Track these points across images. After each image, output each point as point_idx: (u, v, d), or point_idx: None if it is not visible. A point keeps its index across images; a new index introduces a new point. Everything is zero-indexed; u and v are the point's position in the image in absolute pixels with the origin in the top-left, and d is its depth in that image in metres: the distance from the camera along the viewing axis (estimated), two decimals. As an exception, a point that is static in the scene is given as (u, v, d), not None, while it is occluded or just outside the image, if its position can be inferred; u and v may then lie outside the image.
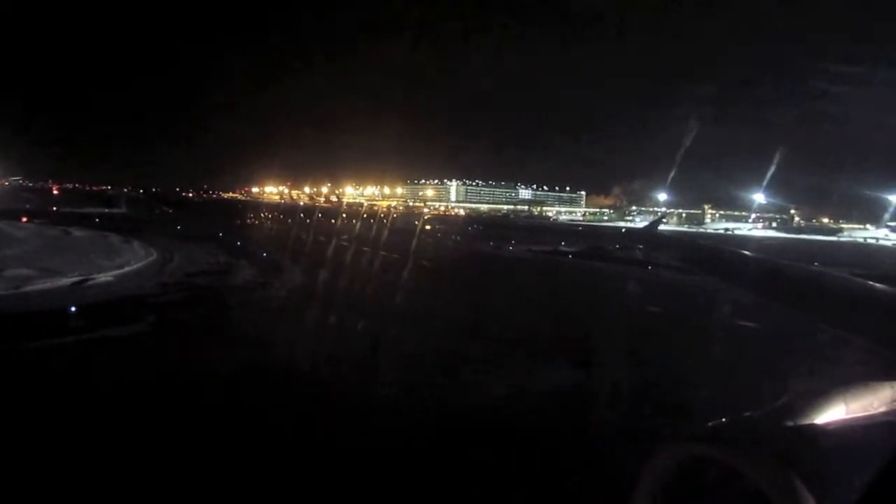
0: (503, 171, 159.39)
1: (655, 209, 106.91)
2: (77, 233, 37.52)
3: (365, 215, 69.85)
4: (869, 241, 78.00)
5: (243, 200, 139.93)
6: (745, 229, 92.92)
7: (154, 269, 25.36)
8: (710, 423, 1.97)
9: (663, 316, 20.01)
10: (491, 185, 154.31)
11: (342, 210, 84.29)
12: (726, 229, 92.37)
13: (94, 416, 9.25)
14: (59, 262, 23.72)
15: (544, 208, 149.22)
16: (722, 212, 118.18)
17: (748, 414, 2.02)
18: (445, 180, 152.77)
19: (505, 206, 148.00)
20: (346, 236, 42.81)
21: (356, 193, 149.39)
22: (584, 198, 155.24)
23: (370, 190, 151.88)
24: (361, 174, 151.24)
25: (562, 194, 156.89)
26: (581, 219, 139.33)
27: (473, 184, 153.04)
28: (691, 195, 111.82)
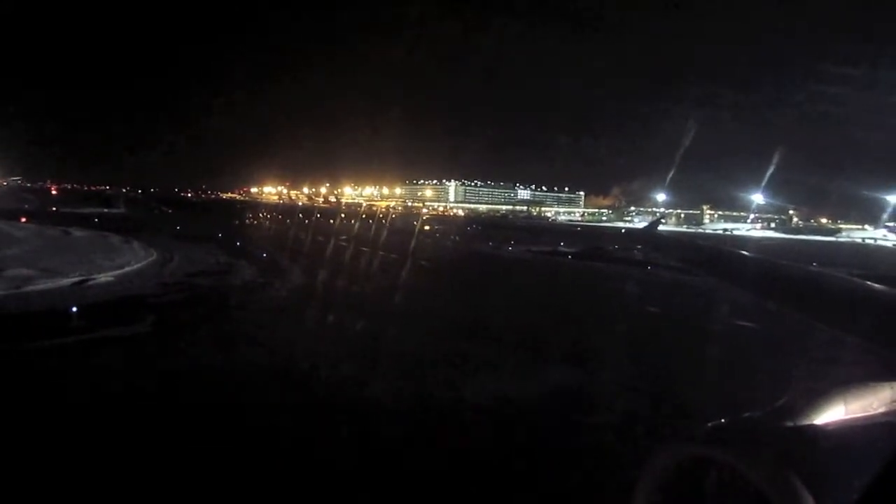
0: (502, 172, 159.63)
1: (654, 209, 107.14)
2: (77, 233, 37.45)
3: (363, 216, 69.92)
4: (867, 241, 78.10)
5: (242, 201, 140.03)
6: (743, 230, 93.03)
7: (154, 269, 25.34)
8: (709, 424, 1.96)
9: (662, 317, 20.06)
10: (490, 186, 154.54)
11: (341, 210, 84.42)
12: (725, 230, 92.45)
13: (94, 417, 9.24)
14: (59, 263, 23.70)
15: (543, 209, 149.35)
16: (720, 212, 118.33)
17: (748, 414, 2.01)
18: (444, 181, 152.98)
19: (503, 207, 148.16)
20: (344, 236, 42.85)
21: (355, 194, 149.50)
22: (583, 198, 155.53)
23: (369, 190, 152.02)
24: (360, 174, 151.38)
25: (560, 195, 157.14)
26: (580, 219, 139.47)
27: (472, 184, 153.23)
28: (690, 195, 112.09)
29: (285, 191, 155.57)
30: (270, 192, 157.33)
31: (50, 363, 12.29)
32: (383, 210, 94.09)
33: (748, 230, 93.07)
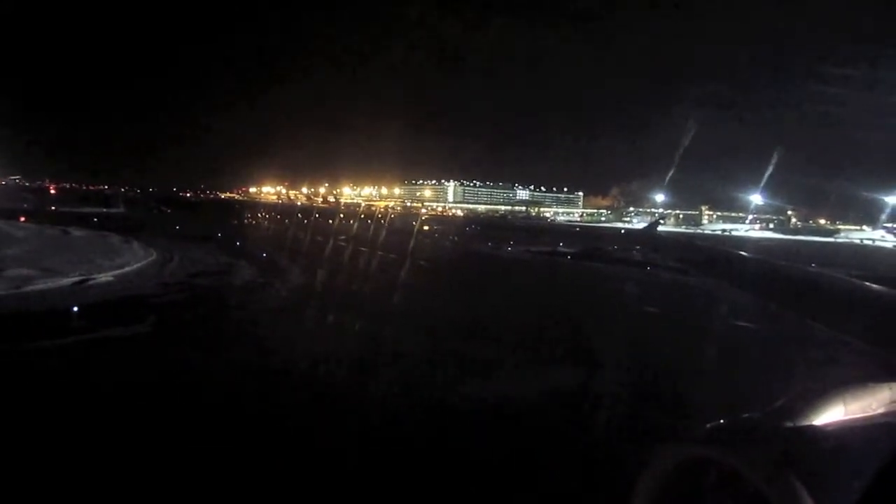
0: (501, 172, 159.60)
1: (653, 210, 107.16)
2: (76, 232, 37.43)
3: (362, 216, 69.86)
4: (866, 242, 78.14)
5: (241, 200, 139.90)
6: (742, 230, 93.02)
7: (154, 269, 25.36)
8: (708, 425, 1.95)
9: (661, 317, 20.10)
10: (488, 186, 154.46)
11: (339, 210, 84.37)
12: (723, 230, 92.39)
13: (95, 417, 9.27)
14: (59, 262, 23.70)
15: (542, 209, 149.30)
16: (719, 213, 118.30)
17: (747, 415, 1.99)
18: (443, 181, 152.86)
19: (502, 207, 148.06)
20: (343, 237, 42.87)
21: (353, 194, 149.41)
22: (582, 198, 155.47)
23: (367, 190, 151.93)
24: (359, 174, 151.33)
25: (559, 195, 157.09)
26: (578, 219, 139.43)
27: (471, 184, 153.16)
28: (689, 196, 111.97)
29: (284, 191, 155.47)
30: (269, 191, 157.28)
31: (51, 363, 12.31)
32: (382, 210, 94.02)
33: (747, 231, 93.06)
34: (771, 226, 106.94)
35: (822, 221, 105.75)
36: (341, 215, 69.66)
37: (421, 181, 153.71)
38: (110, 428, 8.81)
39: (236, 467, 7.77)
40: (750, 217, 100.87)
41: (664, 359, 14.17)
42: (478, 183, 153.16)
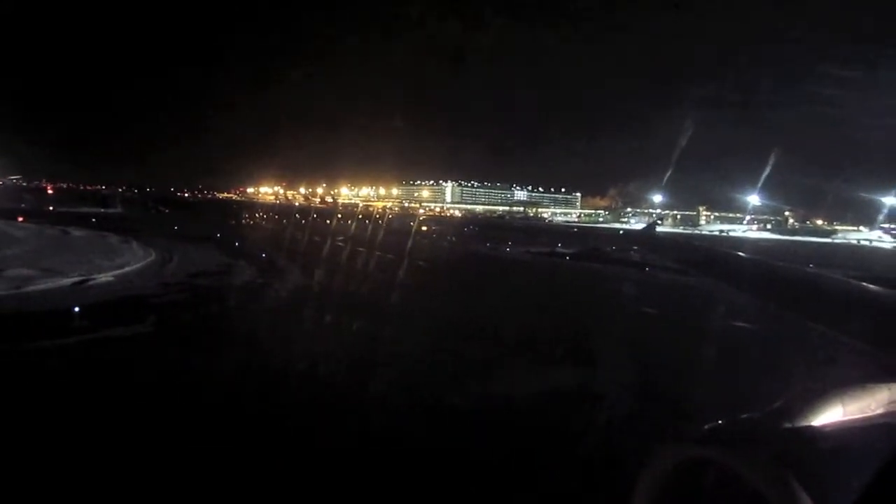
0: (499, 172, 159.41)
1: (650, 210, 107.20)
2: (75, 232, 37.47)
3: (360, 216, 69.81)
4: (863, 242, 78.23)
5: (239, 201, 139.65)
6: (740, 231, 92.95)
7: (154, 269, 25.40)
8: (707, 425, 1.94)
9: (661, 318, 20.17)
10: (486, 187, 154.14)
11: (338, 211, 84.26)
12: (721, 231, 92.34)
13: (97, 417, 9.32)
14: (59, 262, 23.75)
15: (539, 209, 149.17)
16: (716, 213, 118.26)
17: (746, 415, 1.98)
18: (441, 181, 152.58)
19: (500, 208, 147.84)
20: (341, 237, 42.84)
21: (351, 194, 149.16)
22: (580, 199, 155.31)
23: (365, 191, 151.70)
24: (357, 175, 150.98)
25: (557, 195, 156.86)
26: (576, 220, 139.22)
27: (469, 185, 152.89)
28: (686, 196, 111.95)
29: (282, 191, 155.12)
30: (267, 192, 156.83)
31: (52, 363, 12.36)
32: (380, 211, 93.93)
33: (744, 231, 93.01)
34: (768, 226, 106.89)
35: (820, 222, 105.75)
36: (339, 216, 69.57)
37: (419, 182, 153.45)
38: (112, 428, 8.85)
39: (238, 468, 7.82)
40: (747, 218, 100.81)
41: (664, 359, 14.24)
42: (476, 183, 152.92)
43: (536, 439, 9.46)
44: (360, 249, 35.36)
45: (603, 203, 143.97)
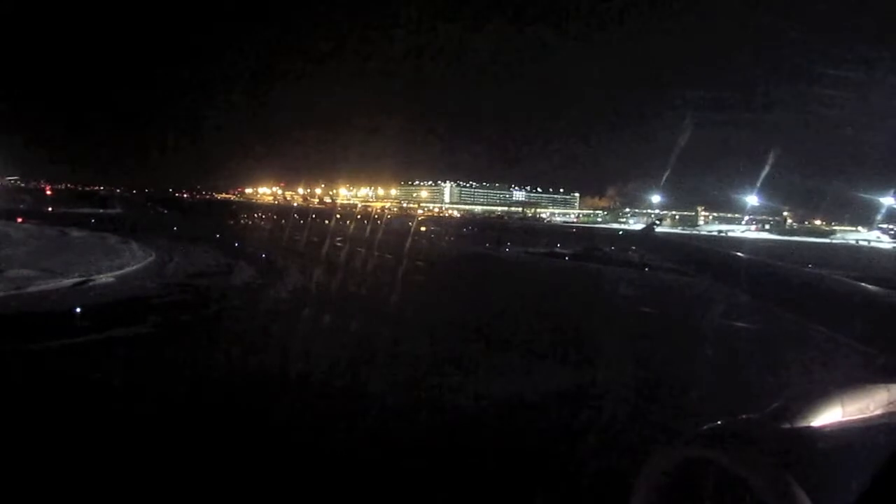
0: (497, 173, 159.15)
1: (649, 211, 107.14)
2: (74, 233, 37.45)
3: (359, 216, 69.82)
4: (861, 243, 78.26)
5: (237, 201, 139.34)
6: (738, 231, 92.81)
7: (154, 269, 25.43)
8: (706, 426, 1.95)
9: (661, 318, 20.23)
10: (485, 187, 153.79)
11: (336, 211, 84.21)
12: (719, 231, 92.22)
13: (100, 418, 9.34)
14: (59, 263, 23.77)
15: (538, 210, 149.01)
16: (715, 214, 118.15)
17: (745, 416, 1.99)
18: (439, 182, 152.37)
19: (499, 208, 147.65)
20: (340, 237, 42.84)
21: (350, 195, 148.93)
22: (579, 199, 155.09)
23: (364, 191, 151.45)
24: (355, 175, 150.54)
25: (556, 196, 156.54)
26: (575, 220, 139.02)
27: (467, 185, 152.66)
28: (685, 197, 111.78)
29: (280, 191, 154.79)
30: (265, 192, 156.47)
31: (53, 364, 12.39)
32: (378, 211, 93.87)
33: (743, 231, 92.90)
34: (767, 227, 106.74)
35: (818, 222, 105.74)
36: (338, 216, 69.54)
37: (417, 182, 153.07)
38: (115, 429, 8.86)
39: (241, 469, 7.84)
40: (746, 218, 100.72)
41: (663, 359, 14.27)
42: (474, 184, 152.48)
43: (534, 436, 9.54)
44: (359, 250, 35.37)
45: (602, 203, 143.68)
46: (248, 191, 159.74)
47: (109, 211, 70.75)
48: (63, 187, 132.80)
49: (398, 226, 60.10)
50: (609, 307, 22.37)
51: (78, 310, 16.65)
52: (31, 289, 19.10)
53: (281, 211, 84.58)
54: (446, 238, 56.85)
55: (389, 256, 33.77)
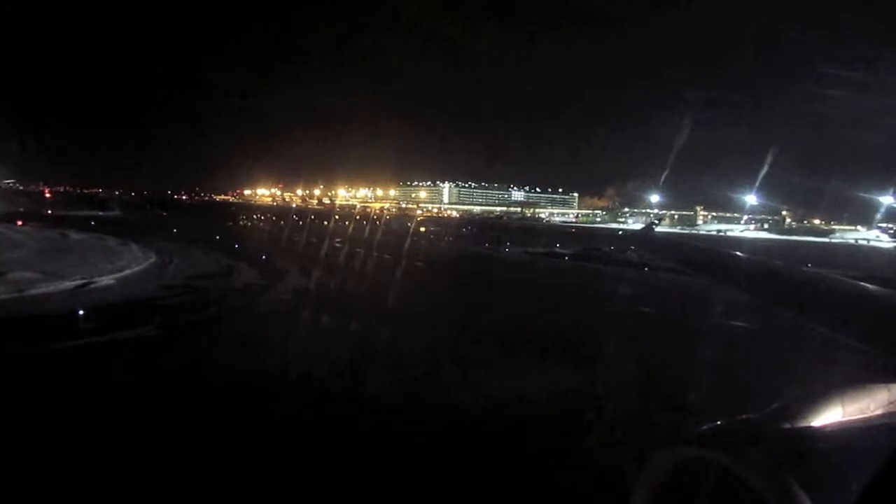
0: (496, 173, 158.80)
1: (648, 210, 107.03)
2: (74, 236, 37.46)
3: (358, 217, 69.81)
4: (860, 242, 78.28)
5: (236, 203, 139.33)
6: (737, 230, 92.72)
7: (155, 271, 25.47)
8: (706, 426, 1.96)
9: (659, 317, 20.28)
10: (484, 187, 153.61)
11: (335, 212, 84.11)
12: (718, 231, 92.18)
13: (104, 419, 9.38)
14: (60, 266, 23.80)
15: (537, 210, 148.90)
16: (714, 213, 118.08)
17: (745, 416, 2.00)
18: (438, 182, 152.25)
19: (498, 208, 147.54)
20: (339, 238, 42.83)
21: (348, 195, 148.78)
22: (577, 199, 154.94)
23: (363, 192, 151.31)
24: (354, 176, 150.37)
25: (554, 196, 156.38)
26: (574, 220, 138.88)
27: (466, 185, 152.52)
28: (684, 196, 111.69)
29: (279, 193, 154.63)
30: (264, 193, 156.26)
31: (57, 366, 12.43)
32: (377, 212, 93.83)
33: (742, 231, 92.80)
34: (766, 226, 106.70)
35: (817, 222, 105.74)
36: (336, 217, 69.51)
37: (416, 182, 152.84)
38: (119, 429, 8.90)
39: (245, 468, 7.90)
40: (745, 217, 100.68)
41: (663, 358, 14.30)
42: (473, 184, 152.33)
43: (533, 435, 9.57)
44: (358, 251, 35.39)
45: (601, 203, 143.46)
46: (247, 192, 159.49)
47: (109, 213, 70.62)
48: (62, 189, 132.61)
49: (397, 226, 60.09)
50: (609, 307, 22.40)
51: (80, 312, 16.67)
52: (34, 291, 19.13)
53: (280, 212, 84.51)
54: (445, 238, 56.88)
55: (388, 257, 33.82)
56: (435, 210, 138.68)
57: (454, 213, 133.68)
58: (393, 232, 50.73)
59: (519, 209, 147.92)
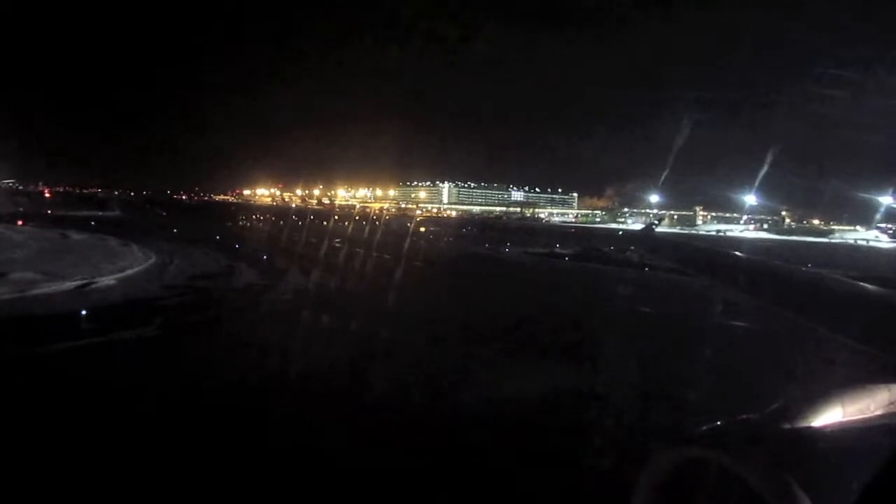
0: (496, 173, 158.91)
1: (647, 211, 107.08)
2: (74, 236, 37.44)
3: (357, 217, 69.86)
4: (860, 242, 78.35)
5: (235, 203, 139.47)
6: (736, 231, 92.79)
7: (155, 272, 25.48)
8: (706, 426, 1.94)
9: (659, 317, 20.32)
10: (483, 187, 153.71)
11: (335, 212, 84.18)
12: (718, 231, 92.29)
13: (105, 420, 9.39)
14: (60, 266, 23.81)
15: (536, 210, 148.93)
16: (713, 213, 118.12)
17: (745, 416, 1.98)
18: (437, 182, 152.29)
19: (497, 208, 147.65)
20: (339, 239, 42.86)
21: (348, 195, 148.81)
22: (577, 199, 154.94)
23: (362, 192, 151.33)
24: (353, 176, 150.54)
25: (554, 196, 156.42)
26: (573, 220, 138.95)
27: (466, 185, 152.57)
28: (683, 197, 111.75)
29: (278, 193, 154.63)
30: (263, 193, 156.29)
31: (59, 367, 12.42)
32: (377, 212, 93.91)
33: (741, 231, 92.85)
34: (765, 226, 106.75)
35: (816, 222, 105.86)
36: (336, 217, 69.54)
37: (416, 182, 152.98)
38: (120, 430, 8.91)
39: (246, 468, 7.91)
40: (744, 217, 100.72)
41: (663, 358, 14.34)
42: (472, 184, 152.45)
43: (535, 437, 9.61)
44: (358, 251, 35.41)
45: (600, 203, 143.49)
46: (247, 192, 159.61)
47: (108, 213, 70.61)
48: (61, 189, 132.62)
49: (397, 226, 60.12)
50: (609, 307, 22.43)
51: (82, 313, 16.72)
52: (35, 292, 19.16)
53: (279, 212, 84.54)
54: (445, 238, 56.93)
55: (388, 257, 33.85)
56: (434, 210, 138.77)
57: (453, 214, 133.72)
58: (392, 232, 50.77)
59: (518, 209, 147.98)
